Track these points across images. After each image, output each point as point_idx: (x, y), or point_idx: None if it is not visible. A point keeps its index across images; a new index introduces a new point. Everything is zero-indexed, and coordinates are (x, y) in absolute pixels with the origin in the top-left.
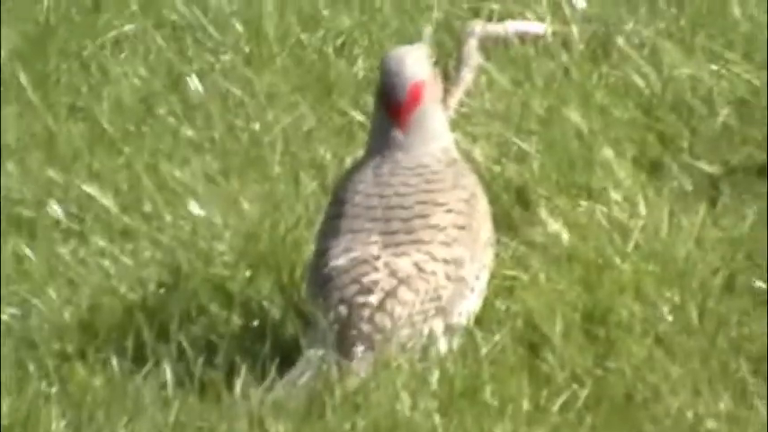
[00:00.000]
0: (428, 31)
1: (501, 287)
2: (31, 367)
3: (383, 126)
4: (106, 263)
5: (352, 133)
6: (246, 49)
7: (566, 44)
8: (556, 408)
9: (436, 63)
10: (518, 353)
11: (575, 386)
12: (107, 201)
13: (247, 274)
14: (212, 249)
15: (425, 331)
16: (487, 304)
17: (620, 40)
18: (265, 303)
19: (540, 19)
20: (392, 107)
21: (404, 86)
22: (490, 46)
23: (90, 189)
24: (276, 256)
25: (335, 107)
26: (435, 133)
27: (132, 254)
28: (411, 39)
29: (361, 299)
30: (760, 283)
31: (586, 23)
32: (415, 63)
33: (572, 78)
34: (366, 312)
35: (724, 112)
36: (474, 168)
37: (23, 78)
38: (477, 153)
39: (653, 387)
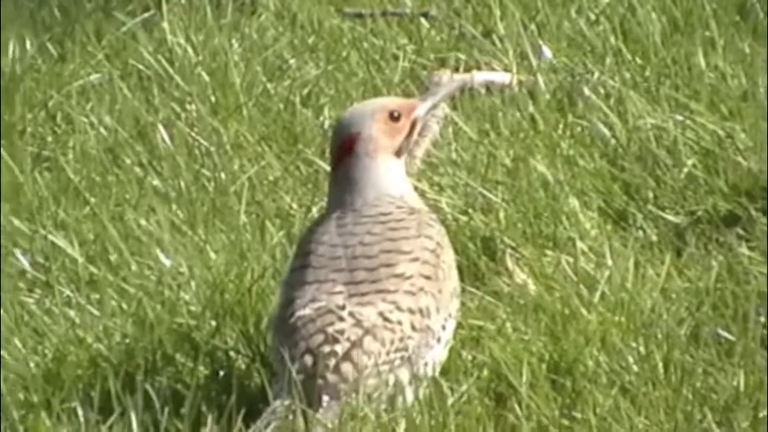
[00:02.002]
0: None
1: (467, 337)
2: None
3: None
4: (72, 313)
5: (318, 183)
6: (213, 99)
7: (532, 94)
8: None
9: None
10: (484, 403)
11: None
12: (73, 250)
13: (213, 323)
14: (178, 299)
15: (391, 381)
16: (454, 354)
17: (587, 91)
18: (231, 353)
19: (507, 69)
20: (331, 158)
21: (336, 139)
22: (457, 96)
23: (56, 239)
24: (242, 305)
25: (302, 157)
26: (380, 183)
27: (98, 303)
28: (377, 88)
29: (326, 348)
30: (725, 334)
31: (552, 74)
32: (353, 117)
33: (538, 128)
34: (332, 362)
35: (689, 163)
36: (439, 218)
37: None
38: (444, 203)
39: None
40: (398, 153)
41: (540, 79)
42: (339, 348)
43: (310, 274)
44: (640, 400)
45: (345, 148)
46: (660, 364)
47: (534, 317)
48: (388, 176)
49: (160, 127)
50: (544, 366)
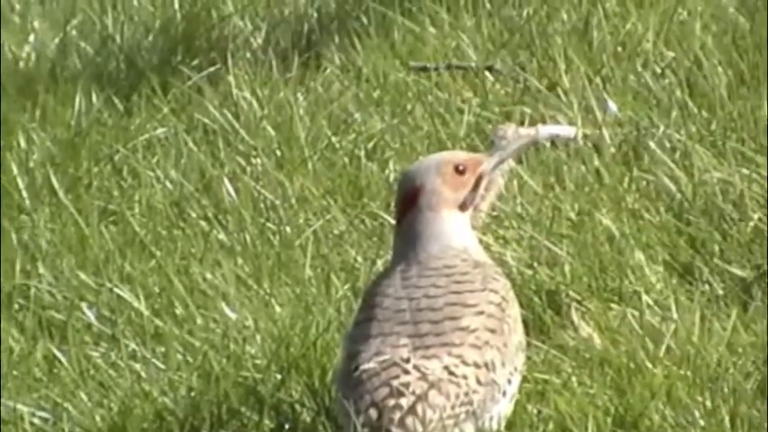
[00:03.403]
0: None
1: (533, 391)
2: None
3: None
4: (137, 366)
5: (383, 236)
6: (278, 153)
7: (597, 148)
8: None
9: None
10: None
11: None
12: (139, 304)
13: (278, 377)
14: (244, 352)
15: None
16: (519, 408)
17: (652, 144)
18: (297, 406)
19: (572, 122)
20: (395, 210)
21: (400, 192)
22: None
23: (122, 292)
24: (307, 359)
25: (367, 210)
26: (443, 236)
27: (164, 357)
28: (442, 141)
29: (391, 402)
30: None
31: (618, 127)
32: (417, 170)
33: (603, 182)
34: (397, 416)
35: (755, 217)
36: (504, 272)
37: (55, 182)
38: (509, 256)
39: None
40: (463, 207)
41: (606, 133)
42: (404, 402)
43: (375, 328)
44: None
45: (409, 200)
46: (727, 419)
47: (600, 371)
48: (452, 229)
49: (225, 181)
50: (609, 420)
